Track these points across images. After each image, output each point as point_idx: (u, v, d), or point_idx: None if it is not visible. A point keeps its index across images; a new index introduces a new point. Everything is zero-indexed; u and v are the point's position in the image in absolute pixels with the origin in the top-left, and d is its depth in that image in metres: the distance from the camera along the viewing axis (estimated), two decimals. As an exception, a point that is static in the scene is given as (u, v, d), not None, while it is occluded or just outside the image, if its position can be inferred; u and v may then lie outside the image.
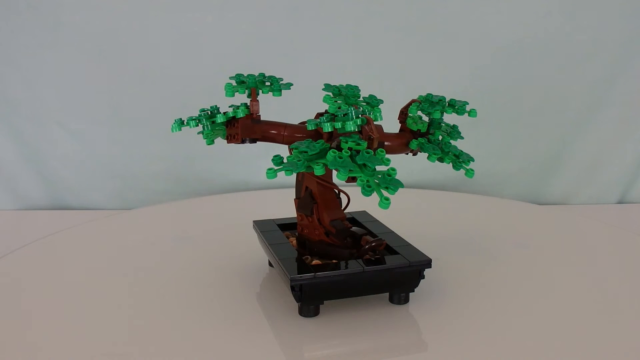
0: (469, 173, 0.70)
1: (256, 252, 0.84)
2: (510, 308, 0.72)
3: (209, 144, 0.72)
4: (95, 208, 1.41)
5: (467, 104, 0.71)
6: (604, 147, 1.38)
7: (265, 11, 1.28)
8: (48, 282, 0.80)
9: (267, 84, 0.71)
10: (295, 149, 0.60)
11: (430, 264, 0.69)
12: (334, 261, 0.70)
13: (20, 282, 0.81)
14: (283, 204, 0.91)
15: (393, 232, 0.78)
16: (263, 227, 0.81)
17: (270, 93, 0.70)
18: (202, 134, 0.71)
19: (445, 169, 1.39)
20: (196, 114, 0.71)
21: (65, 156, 1.38)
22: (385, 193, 0.56)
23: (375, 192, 0.56)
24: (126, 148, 1.37)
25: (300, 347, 0.64)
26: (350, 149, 0.59)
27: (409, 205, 1.18)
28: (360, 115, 0.62)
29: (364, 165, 0.57)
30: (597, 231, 1.05)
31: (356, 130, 0.61)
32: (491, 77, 1.32)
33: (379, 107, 0.70)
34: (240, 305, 0.72)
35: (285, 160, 0.60)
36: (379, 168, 0.58)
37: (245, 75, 0.71)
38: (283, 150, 0.67)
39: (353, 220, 0.83)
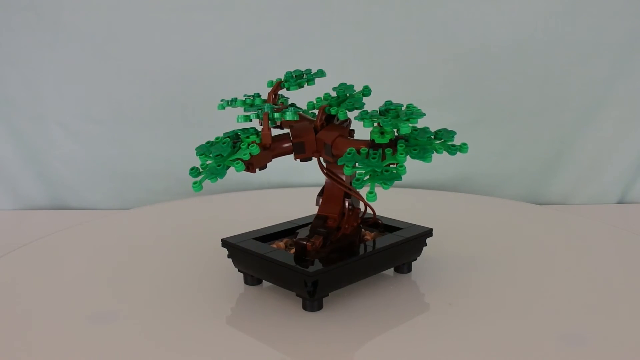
0: (368, 196, 0.59)
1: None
2: (509, 308, 0.72)
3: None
4: (95, 208, 1.41)
5: (419, 117, 0.62)
6: (604, 147, 1.38)
7: (265, 11, 1.28)
8: (48, 282, 0.80)
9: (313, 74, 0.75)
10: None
11: (315, 279, 0.65)
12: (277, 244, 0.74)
13: (20, 282, 0.81)
14: (283, 204, 0.91)
15: (376, 247, 0.73)
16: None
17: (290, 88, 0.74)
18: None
19: (445, 169, 1.39)
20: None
21: (65, 156, 1.38)
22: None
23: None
24: (126, 148, 1.37)
25: (304, 344, 0.64)
26: (236, 141, 0.64)
27: (409, 205, 1.18)
28: (266, 111, 0.66)
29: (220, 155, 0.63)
30: (597, 231, 1.05)
31: (246, 121, 0.67)
32: (491, 77, 1.32)
33: (348, 110, 0.69)
34: (240, 304, 0.72)
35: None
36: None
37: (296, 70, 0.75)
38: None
39: (395, 228, 0.80)
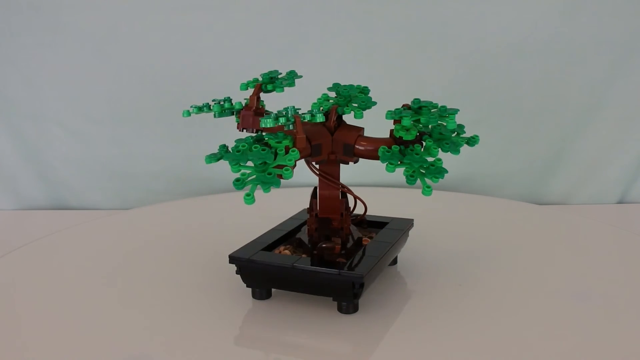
0: (425, 191, 0.61)
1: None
2: (508, 309, 0.72)
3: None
4: (95, 208, 1.41)
5: (456, 112, 0.65)
6: (604, 147, 1.38)
7: (265, 11, 1.28)
8: (48, 282, 0.80)
9: (282, 76, 0.74)
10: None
11: (362, 280, 0.65)
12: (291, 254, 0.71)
13: (20, 282, 0.81)
14: (283, 204, 0.91)
15: (390, 242, 0.75)
16: (297, 215, 0.84)
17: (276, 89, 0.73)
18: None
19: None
20: (197, 114, 0.74)
21: (65, 156, 1.38)
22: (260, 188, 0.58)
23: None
24: (126, 148, 1.37)
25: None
26: (266, 144, 0.61)
27: (409, 205, 1.18)
28: (285, 114, 0.63)
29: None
30: (597, 231, 1.05)
31: (273, 126, 0.62)
32: (491, 77, 1.32)
33: (364, 110, 0.70)
34: (237, 304, 0.72)
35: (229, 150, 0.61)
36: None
37: (273, 71, 0.74)
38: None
39: (383, 224, 0.81)
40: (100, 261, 0.88)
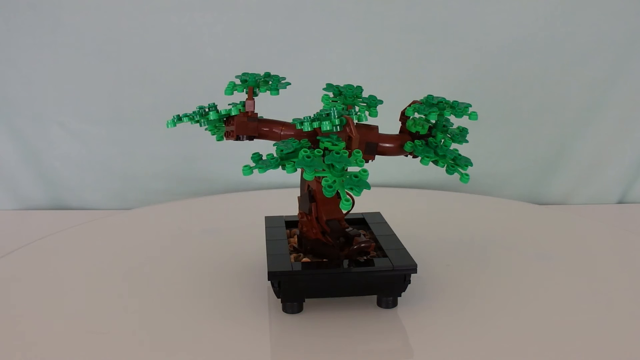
0: (464, 178, 0.66)
1: (255, 251, 0.84)
2: (508, 309, 0.72)
3: (218, 140, 0.72)
4: (95, 208, 1.41)
5: (470, 106, 0.68)
6: (604, 147, 1.38)
7: (265, 11, 1.28)
8: (48, 282, 0.80)
9: (269, 82, 0.72)
10: (276, 146, 0.61)
11: (416, 270, 0.67)
12: (324, 260, 0.70)
13: (20, 282, 0.81)
14: (283, 204, 0.91)
15: (394, 234, 0.77)
16: (270, 223, 0.82)
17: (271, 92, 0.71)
18: (211, 132, 0.71)
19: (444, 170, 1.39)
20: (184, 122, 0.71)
21: (65, 156, 1.38)
22: (348, 194, 0.56)
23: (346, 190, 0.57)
24: (126, 148, 1.37)
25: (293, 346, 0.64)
26: (325, 148, 0.59)
27: (409, 205, 1.18)
28: (339, 116, 0.62)
29: (332, 165, 0.57)
30: (597, 231, 1.05)
31: (333, 130, 0.61)
32: (491, 77, 1.32)
33: (377, 107, 0.71)
34: (237, 304, 0.72)
35: (264, 158, 0.60)
36: (352, 169, 0.58)
37: (251, 74, 0.72)
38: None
39: (362, 220, 0.82)
40: (100, 261, 0.88)
